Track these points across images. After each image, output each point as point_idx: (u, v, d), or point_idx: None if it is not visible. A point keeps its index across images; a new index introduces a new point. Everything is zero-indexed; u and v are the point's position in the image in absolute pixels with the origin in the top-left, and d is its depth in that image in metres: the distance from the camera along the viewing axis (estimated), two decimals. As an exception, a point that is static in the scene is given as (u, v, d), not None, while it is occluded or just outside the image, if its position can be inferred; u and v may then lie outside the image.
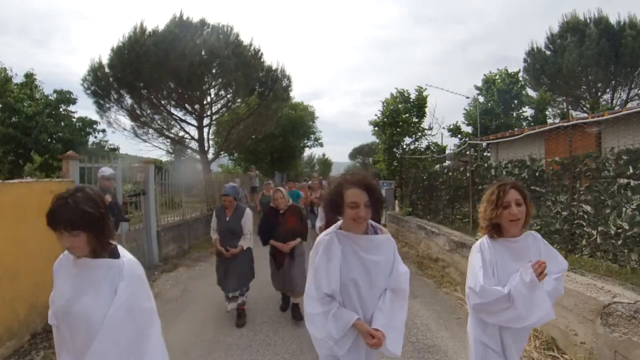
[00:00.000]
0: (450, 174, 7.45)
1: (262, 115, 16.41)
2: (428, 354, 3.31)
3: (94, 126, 15.23)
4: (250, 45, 15.06)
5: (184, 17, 14.02)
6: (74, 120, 14.79)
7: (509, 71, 16.04)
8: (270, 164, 25.47)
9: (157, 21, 31.26)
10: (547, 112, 17.38)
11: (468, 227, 6.18)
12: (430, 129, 12.68)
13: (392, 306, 1.68)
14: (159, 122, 15.52)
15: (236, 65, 13.77)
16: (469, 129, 16.80)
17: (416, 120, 12.52)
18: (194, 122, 15.84)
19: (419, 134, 12.57)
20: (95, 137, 15.63)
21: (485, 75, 16.74)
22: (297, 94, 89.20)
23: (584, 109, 18.86)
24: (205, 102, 15.34)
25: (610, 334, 2.67)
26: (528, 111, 16.25)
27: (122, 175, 6.07)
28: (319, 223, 4.33)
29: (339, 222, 1.76)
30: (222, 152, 18.49)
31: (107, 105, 14.24)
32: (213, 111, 15.94)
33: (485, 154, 13.09)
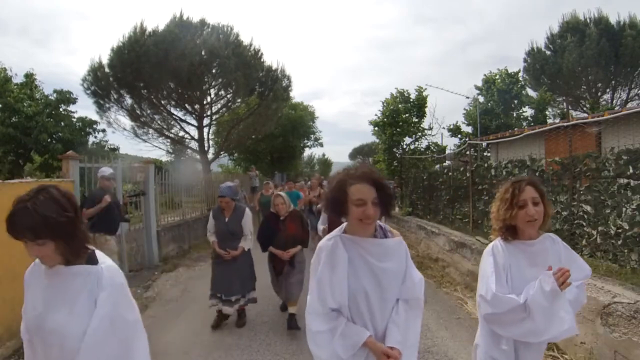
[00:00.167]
0: (450, 174, 7.45)
1: (262, 115, 16.42)
2: (428, 354, 3.30)
3: (94, 126, 15.22)
4: (250, 45, 15.08)
5: (184, 17, 14.04)
6: (74, 120, 14.78)
7: (509, 71, 16.04)
8: (270, 164, 25.47)
9: (157, 21, 31.26)
10: (547, 112, 17.39)
11: (468, 227, 6.18)
12: (430, 129, 12.70)
13: (407, 319, 1.47)
14: (159, 122, 15.53)
15: (236, 65, 13.77)
16: (469, 129, 16.81)
17: (416, 120, 12.52)
18: (194, 122, 15.86)
19: (419, 134, 12.58)
20: (95, 137, 15.64)
21: (485, 75, 16.76)
22: (297, 94, 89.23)
23: (584, 109, 18.86)
24: (205, 102, 15.35)
25: (610, 334, 2.67)
26: (528, 111, 16.26)
27: (122, 175, 6.07)
28: (321, 225, 4.11)
29: (344, 225, 1.54)
30: (222, 152, 18.49)
31: (107, 105, 14.25)
32: (213, 111, 15.95)
33: (485, 154, 13.09)
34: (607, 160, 3.67)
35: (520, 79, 16.64)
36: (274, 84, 15.73)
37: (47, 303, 1.15)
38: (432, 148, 12.95)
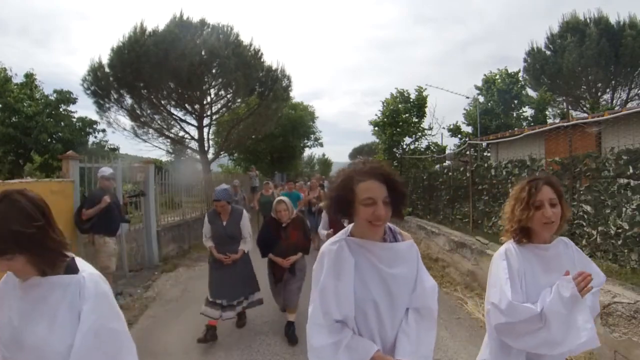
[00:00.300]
0: (450, 174, 7.45)
1: (262, 115, 16.42)
2: (428, 354, 3.30)
3: (94, 126, 15.23)
4: (250, 45, 15.09)
5: (184, 17, 14.05)
6: (74, 120, 14.79)
7: (509, 71, 16.06)
8: (270, 164, 25.49)
9: (157, 21, 31.27)
10: (547, 112, 17.41)
11: (468, 227, 6.18)
12: (430, 129, 12.71)
13: (419, 330, 1.33)
14: (159, 122, 15.53)
15: (236, 65, 13.78)
16: (469, 129, 16.83)
17: (416, 120, 12.53)
18: (194, 122, 15.86)
19: (419, 134, 12.59)
20: (95, 137, 15.65)
21: (485, 75, 16.78)
22: (297, 94, 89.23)
23: (584, 109, 18.87)
24: (205, 102, 15.35)
25: (610, 334, 2.67)
26: (528, 111, 16.29)
27: (122, 175, 6.07)
28: (324, 231, 3.85)
29: (349, 227, 1.39)
30: (222, 152, 18.50)
31: (107, 105, 14.25)
32: (213, 111, 15.96)
33: (485, 154, 13.10)
34: (607, 160, 3.67)
35: (520, 79, 16.66)
36: (274, 84, 15.74)
37: (24, 316, 1.05)
38: (432, 148, 12.96)
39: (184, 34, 13.21)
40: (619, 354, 2.61)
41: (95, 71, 13.53)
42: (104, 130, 15.53)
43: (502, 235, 1.63)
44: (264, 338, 3.66)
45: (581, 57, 16.91)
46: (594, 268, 1.54)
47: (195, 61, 13.12)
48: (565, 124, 5.01)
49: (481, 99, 16.51)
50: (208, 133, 16.22)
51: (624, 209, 3.40)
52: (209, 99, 15.43)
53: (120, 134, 23.62)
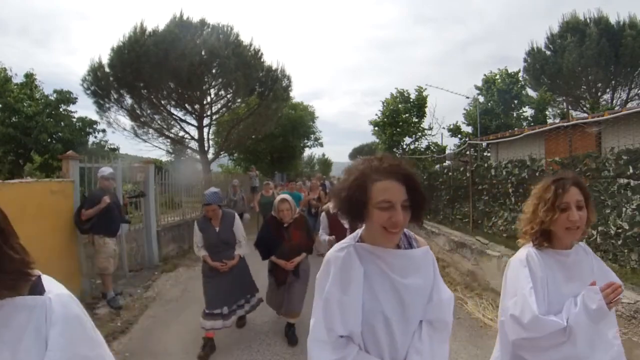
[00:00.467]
0: (450, 174, 7.45)
1: (262, 115, 16.43)
2: (428, 354, 3.30)
3: (94, 126, 15.23)
4: (250, 45, 15.10)
5: (184, 17, 14.06)
6: (74, 120, 14.78)
7: (509, 71, 16.08)
8: (270, 164, 25.49)
9: (157, 21, 31.31)
10: (547, 112, 17.42)
11: (468, 227, 6.18)
12: (430, 129, 12.74)
13: (432, 345, 1.19)
14: (159, 122, 15.54)
15: (236, 65, 13.78)
16: (469, 129, 16.84)
17: (416, 120, 12.56)
18: (194, 122, 15.88)
19: (419, 134, 12.62)
20: (95, 137, 15.64)
21: (485, 75, 16.80)
22: (297, 94, 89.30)
23: (584, 109, 18.88)
24: (205, 102, 15.36)
25: (610, 334, 2.67)
26: (528, 111, 16.32)
27: (122, 175, 6.07)
28: (324, 236, 3.63)
29: (359, 231, 1.24)
30: (222, 152, 18.51)
31: (107, 105, 14.26)
32: (213, 111, 15.97)
33: (485, 154, 13.11)
34: (607, 160, 3.67)
35: (520, 79, 16.68)
36: (274, 84, 15.75)
37: None
38: (432, 148, 12.98)
39: (184, 34, 13.21)
40: (619, 354, 2.61)
41: (95, 71, 13.54)
42: (104, 130, 15.55)
43: (520, 238, 1.51)
44: (264, 338, 3.66)
45: (581, 57, 16.91)
46: (612, 275, 1.45)
47: (195, 61, 13.13)
48: (565, 124, 5.02)
49: (481, 99, 16.52)
50: (208, 133, 16.24)
51: (624, 209, 3.40)
52: (209, 99, 15.44)
53: (120, 134, 23.63)
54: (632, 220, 3.29)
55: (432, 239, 6.84)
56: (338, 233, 3.32)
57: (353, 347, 1.14)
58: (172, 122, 15.84)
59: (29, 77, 14.13)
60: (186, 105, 15.32)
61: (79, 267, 4.70)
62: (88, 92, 13.87)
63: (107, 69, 13.52)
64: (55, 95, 14.30)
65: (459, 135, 16.46)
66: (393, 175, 1.09)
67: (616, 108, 15.00)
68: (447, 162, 11.08)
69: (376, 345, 1.15)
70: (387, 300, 1.15)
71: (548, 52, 19.36)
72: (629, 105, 17.38)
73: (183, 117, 15.85)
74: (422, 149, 12.77)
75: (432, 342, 1.19)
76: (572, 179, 1.39)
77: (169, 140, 16.26)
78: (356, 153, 48.11)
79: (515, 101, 15.94)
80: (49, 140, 13.36)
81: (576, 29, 17.87)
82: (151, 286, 5.45)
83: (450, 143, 20.40)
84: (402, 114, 12.20)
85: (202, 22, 14.39)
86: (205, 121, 15.87)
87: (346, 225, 3.34)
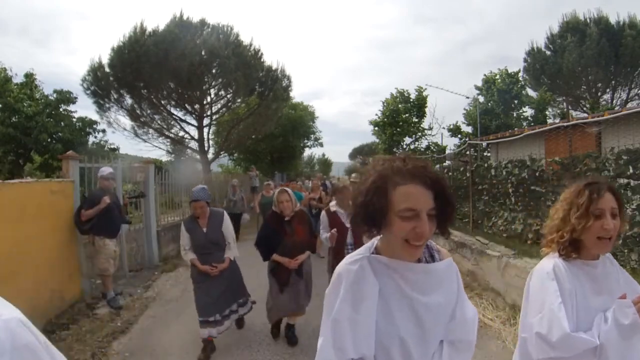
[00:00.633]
0: (450, 174, 7.46)
1: (262, 115, 16.42)
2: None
3: (94, 126, 15.24)
4: (250, 45, 15.08)
5: (184, 17, 14.04)
6: (74, 120, 14.79)
7: (509, 71, 16.09)
8: (270, 164, 25.49)
9: (157, 21, 31.32)
10: (547, 112, 17.43)
11: (468, 227, 6.18)
12: (430, 129, 12.75)
13: None
14: (159, 122, 15.53)
15: (236, 65, 13.78)
16: (469, 129, 16.84)
17: (416, 120, 12.57)
18: (194, 122, 15.86)
19: (419, 134, 12.63)
20: (95, 137, 15.65)
21: (485, 75, 16.81)
22: (297, 94, 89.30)
23: (584, 109, 18.88)
24: (205, 102, 15.36)
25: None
26: (528, 111, 16.33)
27: (122, 175, 6.07)
28: (325, 234, 3.46)
29: (374, 240, 1.09)
30: (222, 152, 18.50)
31: (107, 105, 14.25)
32: (213, 111, 15.96)
33: (485, 154, 13.11)
34: (607, 160, 3.67)
35: (520, 79, 16.70)
36: (274, 84, 15.74)
37: None
38: (432, 148, 12.99)
39: (184, 34, 13.20)
40: (619, 354, 2.60)
41: (95, 71, 13.53)
42: (104, 130, 15.56)
43: (545, 246, 1.39)
44: (263, 338, 3.66)
45: (581, 57, 16.92)
46: (638, 288, 1.34)
47: (195, 61, 13.12)
48: (565, 124, 5.02)
49: (481, 99, 16.53)
50: (208, 133, 16.23)
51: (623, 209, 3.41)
52: (209, 99, 15.44)
53: (120, 134, 23.63)
54: (632, 220, 3.29)
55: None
56: (339, 233, 3.32)
57: None
58: (172, 122, 15.83)
59: (29, 77, 14.13)
60: (186, 105, 15.31)
61: (79, 267, 4.70)
62: (88, 92, 13.86)
63: (107, 69, 13.50)
64: (55, 95, 14.32)
65: (459, 135, 16.47)
66: (418, 178, 0.95)
67: (616, 108, 15.00)
68: (447, 162, 11.08)
69: None
70: (404, 321, 1.01)
71: (548, 52, 19.36)
72: (629, 105, 17.38)
73: (183, 117, 15.85)
74: (422, 149, 12.80)
75: None
76: (606, 184, 1.29)
77: (169, 140, 16.25)
78: (356, 153, 48.11)
79: (515, 101, 15.95)
80: (49, 140, 13.37)
81: (576, 29, 17.88)
82: (151, 286, 5.46)
83: (450, 143, 20.40)
84: (402, 114, 12.22)
85: (202, 22, 14.38)
86: (205, 121, 15.87)
87: (347, 225, 3.36)
